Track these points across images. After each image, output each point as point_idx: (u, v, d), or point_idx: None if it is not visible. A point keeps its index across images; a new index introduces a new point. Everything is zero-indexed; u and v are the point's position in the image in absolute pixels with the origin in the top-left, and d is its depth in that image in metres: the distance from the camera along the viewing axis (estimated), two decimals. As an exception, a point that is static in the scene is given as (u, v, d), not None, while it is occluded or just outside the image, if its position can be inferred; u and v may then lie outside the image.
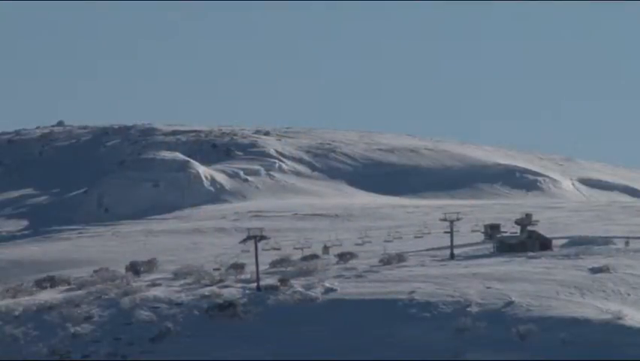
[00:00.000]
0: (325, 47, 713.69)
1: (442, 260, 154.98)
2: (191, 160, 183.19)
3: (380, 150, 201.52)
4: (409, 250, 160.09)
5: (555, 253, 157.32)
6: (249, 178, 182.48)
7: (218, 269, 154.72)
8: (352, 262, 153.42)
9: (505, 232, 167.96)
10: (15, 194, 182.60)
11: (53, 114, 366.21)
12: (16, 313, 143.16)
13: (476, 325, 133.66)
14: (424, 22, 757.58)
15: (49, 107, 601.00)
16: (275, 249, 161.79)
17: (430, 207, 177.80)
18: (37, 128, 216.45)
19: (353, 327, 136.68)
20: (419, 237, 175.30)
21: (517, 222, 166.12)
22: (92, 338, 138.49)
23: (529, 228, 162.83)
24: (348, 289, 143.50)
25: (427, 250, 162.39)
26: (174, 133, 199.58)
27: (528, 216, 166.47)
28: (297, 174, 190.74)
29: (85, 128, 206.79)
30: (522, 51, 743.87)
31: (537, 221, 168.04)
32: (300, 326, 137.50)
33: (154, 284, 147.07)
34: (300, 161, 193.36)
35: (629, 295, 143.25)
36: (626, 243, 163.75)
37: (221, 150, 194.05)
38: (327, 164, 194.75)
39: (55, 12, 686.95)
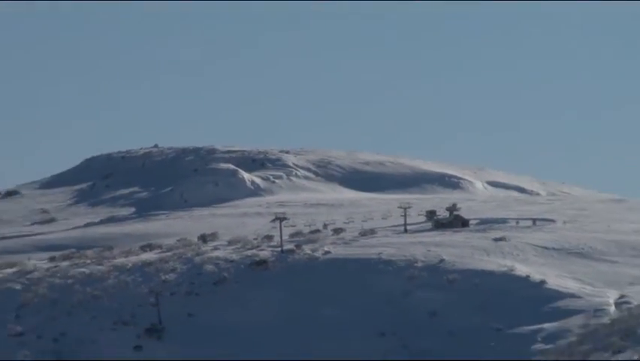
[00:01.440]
0: (320, 83, 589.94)
1: (399, 233, 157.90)
2: (239, 169, 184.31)
3: (360, 162, 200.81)
4: (378, 226, 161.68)
5: (471, 228, 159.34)
6: (276, 181, 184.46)
7: (256, 239, 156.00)
8: (342, 234, 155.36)
9: (440, 215, 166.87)
10: (126, 191, 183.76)
11: (152, 139, 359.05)
12: (128, 266, 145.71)
13: (421, 274, 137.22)
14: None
15: (149, 134, 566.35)
16: (292, 226, 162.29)
17: (391, 199, 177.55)
18: (141, 148, 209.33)
19: (342, 276, 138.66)
20: (385, 218, 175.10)
21: (447, 209, 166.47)
22: (175, 283, 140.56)
23: (455, 212, 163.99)
24: (339, 251, 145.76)
25: (390, 226, 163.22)
26: (228, 152, 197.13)
27: (454, 205, 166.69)
28: (307, 178, 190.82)
29: (171, 149, 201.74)
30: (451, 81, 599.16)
31: (460, 208, 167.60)
32: (308, 275, 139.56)
33: (215, 248, 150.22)
34: (308, 170, 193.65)
35: (518, 255, 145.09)
36: (517, 222, 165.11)
37: (258, 163, 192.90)
38: (326, 172, 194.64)
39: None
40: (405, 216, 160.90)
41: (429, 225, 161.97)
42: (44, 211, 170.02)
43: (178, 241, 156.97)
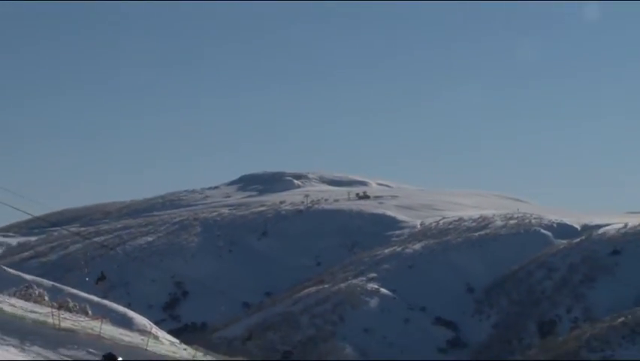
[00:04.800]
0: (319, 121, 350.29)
1: (347, 201, 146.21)
2: (293, 179, 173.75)
3: (334, 176, 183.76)
4: (340, 198, 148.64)
5: (370, 199, 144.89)
6: (305, 183, 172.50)
7: (298, 202, 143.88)
8: (328, 200, 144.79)
9: (360, 194, 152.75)
10: (254, 187, 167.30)
11: (262, 168, 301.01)
12: (258, 210, 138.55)
13: (354, 214, 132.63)
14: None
15: (260, 164, 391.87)
16: (311, 199, 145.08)
17: (344, 189, 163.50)
18: (259, 172, 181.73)
19: (328, 215, 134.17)
20: (342, 195, 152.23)
21: (363, 193, 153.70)
22: (271, 216, 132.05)
23: (365, 194, 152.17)
24: (327, 206, 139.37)
25: (343, 199, 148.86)
26: (290, 174, 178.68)
27: (364, 192, 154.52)
28: (316, 182, 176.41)
29: (269, 172, 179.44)
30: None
31: (366, 192, 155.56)
32: (316, 215, 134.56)
33: (285, 206, 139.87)
34: (316, 179, 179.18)
35: (387, 208, 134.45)
36: (386, 197, 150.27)
37: (300, 178, 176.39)
38: (322, 180, 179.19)
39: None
40: (348, 195, 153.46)
41: (356, 198, 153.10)
42: (227, 193, 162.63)
43: (272, 202, 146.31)
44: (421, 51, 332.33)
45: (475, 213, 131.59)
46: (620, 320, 76.82)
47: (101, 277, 29.78)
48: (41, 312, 24.73)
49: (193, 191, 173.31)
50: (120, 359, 7.13)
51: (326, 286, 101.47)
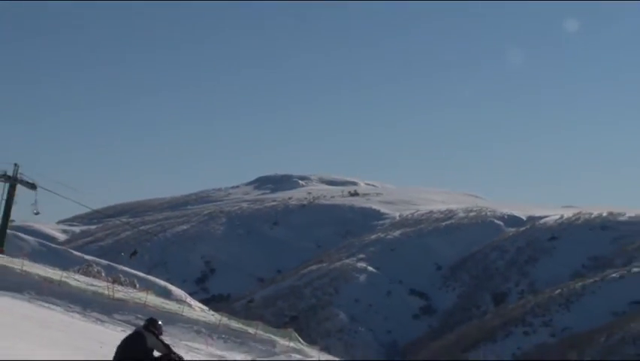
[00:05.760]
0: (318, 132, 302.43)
1: (342, 197, 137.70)
2: (298, 180, 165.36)
3: (330, 177, 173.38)
4: (335, 195, 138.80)
5: (360, 195, 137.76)
6: (308, 183, 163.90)
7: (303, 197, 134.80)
8: (326, 196, 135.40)
9: (352, 192, 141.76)
10: (267, 185, 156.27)
11: (274, 170, 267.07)
12: (269, 204, 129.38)
13: (346, 208, 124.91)
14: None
15: (272, 167, 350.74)
16: (313, 195, 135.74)
17: (338, 188, 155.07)
18: (277, 174, 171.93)
19: (326, 208, 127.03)
20: (337, 193, 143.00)
21: (354, 190, 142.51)
22: (281, 206, 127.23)
23: (356, 191, 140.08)
24: (325, 202, 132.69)
25: (338, 195, 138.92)
26: (296, 176, 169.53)
27: (355, 190, 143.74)
28: (316, 183, 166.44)
29: (279, 175, 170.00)
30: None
31: (357, 190, 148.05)
32: (318, 208, 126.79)
33: (292, 201, 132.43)
34: (316, 180, 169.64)
35: (373, 203, 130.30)
36: (372, 194, 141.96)
37: (304, 179, 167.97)
38: (321, 180, 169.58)
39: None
40: (342, 193, 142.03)
41: (349, 195, 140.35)
42: (246, 191, 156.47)
43: (282, 199, 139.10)
44: (404, 60, 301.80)
45: (442, 207, 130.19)
46: (557, 291, 77.38)
47: (134, 253, 30.29)
48: (99, 285, 25.28)
49: (219, 189, 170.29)
50: (160, 322, 7.46)
51: (324, 264, 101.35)
